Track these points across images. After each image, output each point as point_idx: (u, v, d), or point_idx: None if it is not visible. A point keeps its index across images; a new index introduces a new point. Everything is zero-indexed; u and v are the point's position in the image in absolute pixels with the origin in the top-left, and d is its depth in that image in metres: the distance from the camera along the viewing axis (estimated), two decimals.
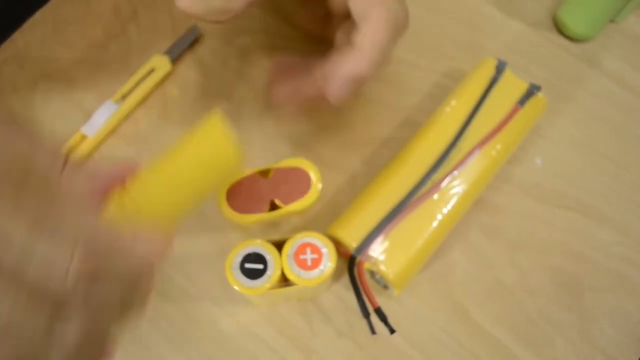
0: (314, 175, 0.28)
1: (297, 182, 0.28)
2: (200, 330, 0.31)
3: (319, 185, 0.28)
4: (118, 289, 0.19)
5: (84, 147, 0.34)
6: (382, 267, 0.29)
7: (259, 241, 0.27)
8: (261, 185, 0.28)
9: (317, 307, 0.31)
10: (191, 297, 0.31)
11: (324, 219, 0.33)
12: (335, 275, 0.32)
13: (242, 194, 0.28)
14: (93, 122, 0.35)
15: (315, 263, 0.27)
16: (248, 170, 0.28)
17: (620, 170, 0.35)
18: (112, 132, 0.35)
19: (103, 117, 0.35)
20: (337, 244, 0.31)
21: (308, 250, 0.27)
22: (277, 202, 0.28)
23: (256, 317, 0.31)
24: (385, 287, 0.31)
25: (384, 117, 0.36)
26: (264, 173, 0.28)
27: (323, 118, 0.36)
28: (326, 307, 0.31)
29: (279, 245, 0.27)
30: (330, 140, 0.35)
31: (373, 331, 0.28)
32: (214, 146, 0.22)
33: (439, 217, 0.30)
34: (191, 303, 0.31)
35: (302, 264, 0.27)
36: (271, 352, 0.30)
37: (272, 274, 0.27)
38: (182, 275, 0.32)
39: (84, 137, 0.34)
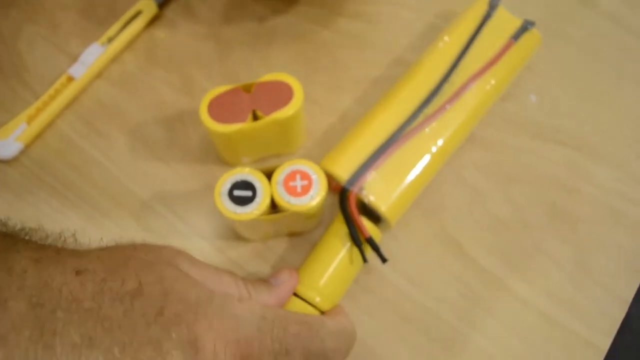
0: (295, 87, 0.28)
1: (279, 93, 0.27)
2: None
3: (301, 95, 0.28)
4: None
5: (71, 89, 0.33)
6: (374, 199, 0.29)
7: (247, 169, 0.27)
8: (243, 98, 0.27)
9: (308, 242, 0.31)
10: (180, 233, 0.31)
11: (315, 158, 0.32)
12: (328, 213, 0.31)
13: (223, 106, 0.27)
14: (80, 63, 0.34)
15: (305, 189, 0.26)
16: (230, 86, 0.27)
17: (615, 106, 0.34)
18: (99, 75, 0.35)
19: (90, 59, 0.34)
20: (329, 179, 0.30)
21: (298, 177, 0.27)
22: (259, 113, 0.27)
23: (247, 253, 0.31)
24: (378, 220, 0.30)
25: (376, 57, 0.35)
26: (247, 88, 0.28)
27: (314, 59, 0.35)
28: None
29: (269, 176, 0.27)
30: (321, 80, 0.34)
31: (365, 259, 0.28)
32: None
33: (433, 149, 0.30)
34: (180, 239, 0.31)
35: (292, 191, 0.26)
36: None
37: (261, 201, 0.26)
38: (171, 212, 0.31)
39: (70, 79, 0.34)
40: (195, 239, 0.31)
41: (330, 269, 0.28)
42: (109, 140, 0.33)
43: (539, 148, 0.33)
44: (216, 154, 0.32)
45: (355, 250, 0.28)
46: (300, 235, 0.31)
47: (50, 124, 0.33)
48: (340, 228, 0.29)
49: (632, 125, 0.34)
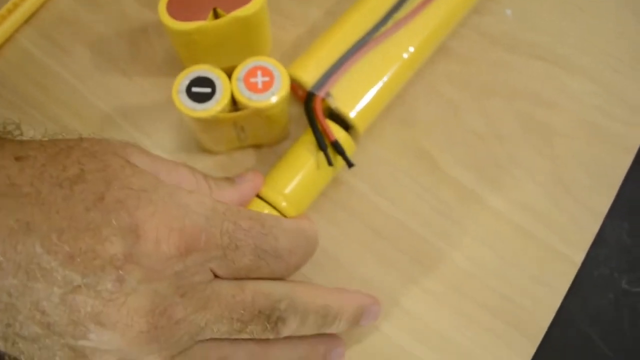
0: None
1: None
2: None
3: None
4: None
5: (30, 3, 0.32)
6: (341, 104, 0.28)
7: (207, 66, 0.26)
8: None
9: (276, 154, 0.30)
10: (143, 146, 0.29)
11: None
12: (296, 129, 0.30)
13: (183, 4, 0.26)
14: None
15: (267, 86, 0.25)
16: None
17: (594, 20, 0.33)
18: None
19: None
20: (296, 88, 0.29)
21: (259, 73, 0.26)
22: (220, 11, 0.26)
23: (212, 165, 0.30)
24: (347, 128, 0.29)
25: None
26: None
27: None
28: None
29: (229, 74, 0.26)
30: None
31: (330, 162, 0.27)
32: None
33: (403, 55, 0.29)
34: None
35: (253, 87, 0.25)
36: None
37: (220, 98, 0.25)
38: (133, 125, 0.30)
39: None
40: (158, 152, 0.29)
41: (298, 176, 0.27)
42: (70, 54, 0.32)
43: (515, 62, 0.32)
44: (180, 68, 0.31)
45: (323, 157, 0.27)
46: (267, 147, 0.30)
47: (9, 39, 0.32)
48: (308, 139, 0.28)
49: (609, 39, 0.33)
